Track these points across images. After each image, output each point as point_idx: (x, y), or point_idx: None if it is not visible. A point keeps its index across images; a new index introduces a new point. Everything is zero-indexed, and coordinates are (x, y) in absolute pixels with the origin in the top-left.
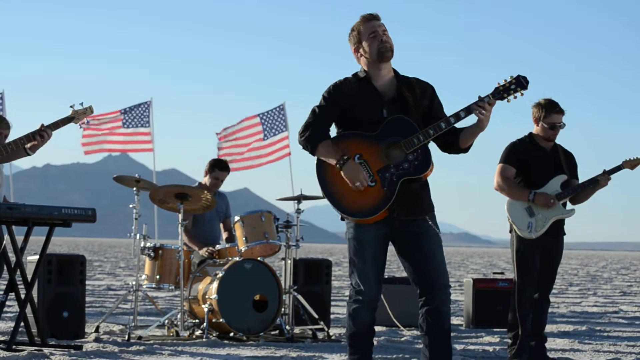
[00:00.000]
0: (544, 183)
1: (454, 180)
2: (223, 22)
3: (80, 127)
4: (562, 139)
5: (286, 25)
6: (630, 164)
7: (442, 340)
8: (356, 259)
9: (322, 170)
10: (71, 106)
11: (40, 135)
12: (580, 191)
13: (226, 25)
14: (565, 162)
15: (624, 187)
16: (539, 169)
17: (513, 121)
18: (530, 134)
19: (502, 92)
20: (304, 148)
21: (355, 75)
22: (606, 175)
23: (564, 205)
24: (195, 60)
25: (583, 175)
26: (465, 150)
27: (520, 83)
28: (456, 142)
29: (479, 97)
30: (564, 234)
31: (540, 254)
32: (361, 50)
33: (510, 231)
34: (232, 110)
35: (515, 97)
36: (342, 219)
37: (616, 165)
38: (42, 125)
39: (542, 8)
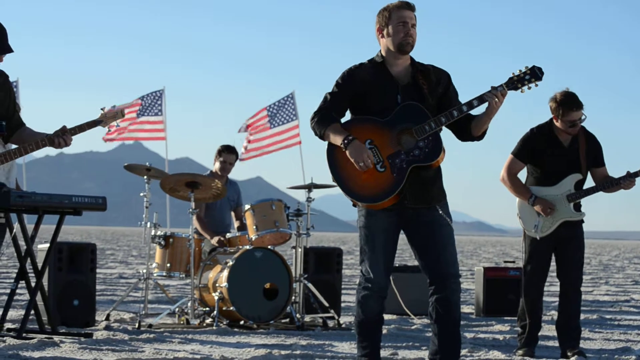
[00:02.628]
0: (557, 181)
1: (467, 169)
2: (235, 11)
3: (109, 130)
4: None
5: (297, 14)
6: None
7: (451, 329)
8: (366, 247)
9: (333, 155)
10: (102, 109)
11: (58, 143)
12: (603, 190)
13: (237, 15)
14: (586, 153)
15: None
16: (553, 166)
17: (528, 109)
18: (552, 122)
19: (516, 82)
20: (314, 134)
21: (372, 60)
22: (630, 179)
23: (577, 206)
24: (207, 49)
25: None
26: (479, 137)
27: (534, 74)
28: (469, 129)
29: (492, 87)
30: (581, 222)
31: (553, 244)
32: (384, 32)
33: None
34: (244, 99)
35: (529, 88)
36: (354, 205)
37: (634, 171)
38: (65, 127)
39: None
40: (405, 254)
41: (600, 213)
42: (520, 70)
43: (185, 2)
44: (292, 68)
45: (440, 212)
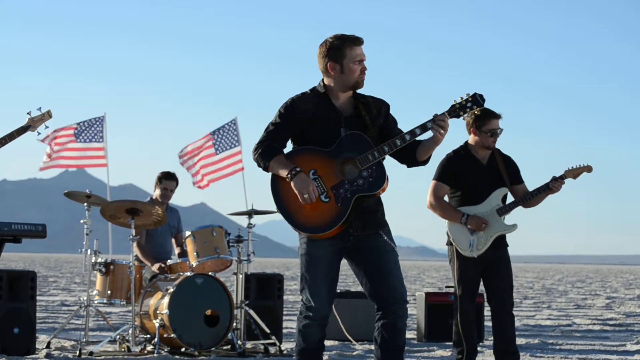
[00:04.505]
0: (483, 199)
1: (411, 194)
2: (176, 37)
3: (39, 134)
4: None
5: (238, 39)
6: (573, 173)
7: (395, 355)
8: (308, 275)
9: (277, 186)
10: (28, 113)
11: None
12: (532, 198)
13: (178, 40)
14: (505, 170)
15: (583, 200)
16: (476, 184)
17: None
18: (466, 144)
19: (458, 110)
20: (258, 165)
21: (314, 90)
22: (558, 181)
23: (505, 219)
24: (149, 75)
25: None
26: (424, 162)
27: (476, 101)
28: (414, 155)
29: (435, 115)
30: (506, 245)
31: (481, 268)
32: (337, 68)
33: (448, 244)
34: (186, 125)
35: (470, 115)
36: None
37: (560, 175)
38: None
39: (508, 13)
40: (349, 279)
41: (543, 237)
42: (461, 98)
43: (124, 27)
44: (234, 94)
45: (385, 238)
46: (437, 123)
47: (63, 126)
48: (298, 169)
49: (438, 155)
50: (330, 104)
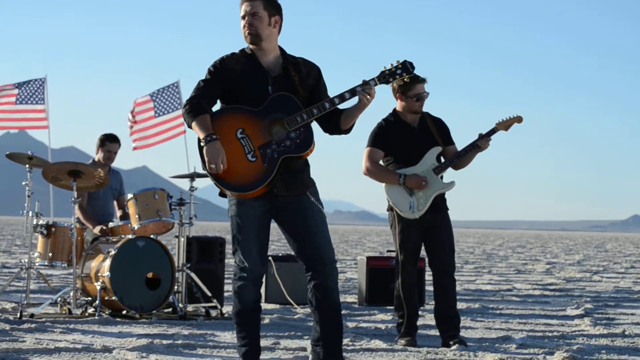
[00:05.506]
0: (418, 160)
1: (352, 158)
2: (118, 0)
3: None
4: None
5: (182, 2)
6: (504, 125)
7: (332, 314)
8: (239, 236)
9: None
10: None
11: None
12: (461, 158)
13: (122, 4)
14: (437, 131)
15: (525, 166)
16: (409, 147)
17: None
18: (395, 111)
19: (387, 77)
20: (185, 121)
21: (242, 50)
22: (485, 139)
23: (443, 178)
24: (91, 37)
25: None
26: (347, 131)
27: (406, 68)
28: (337, 123)
29: (364, 80)
30: (447, 209)
31: (422, 232)
32: None
33: (388, 209)
34: (129, 88)
35: (400, 82)
36: (221, 195)
37: (491, 128)
38: None
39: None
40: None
41: (484, 202)
42: (392, 65)
43: None
44: (177, 56)
45: (312, 199)
46: (365, 89)
47: (2, 85)
48: (215, 136)
49: (369, 125)
50: (258, 64)
